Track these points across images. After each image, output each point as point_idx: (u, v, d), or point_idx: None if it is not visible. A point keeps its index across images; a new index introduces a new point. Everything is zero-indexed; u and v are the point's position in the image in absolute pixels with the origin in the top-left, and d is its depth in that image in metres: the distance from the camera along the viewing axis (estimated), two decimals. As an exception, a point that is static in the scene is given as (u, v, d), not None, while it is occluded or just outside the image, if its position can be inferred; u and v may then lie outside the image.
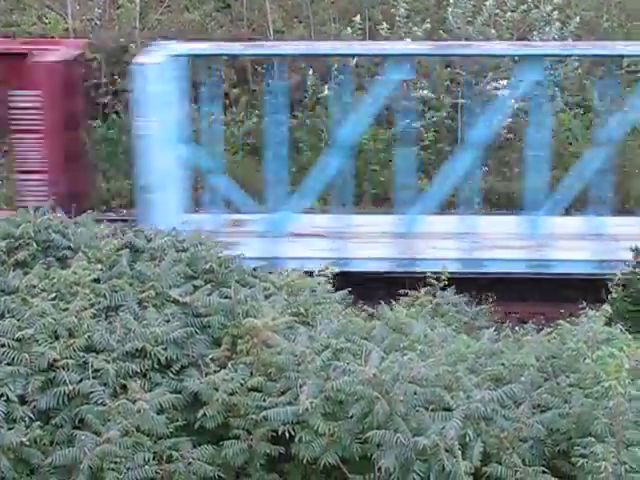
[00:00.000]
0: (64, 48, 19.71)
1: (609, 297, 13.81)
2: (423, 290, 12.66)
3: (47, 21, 23.92)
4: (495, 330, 10.62)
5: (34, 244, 10.03)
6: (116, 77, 24.11)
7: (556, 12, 23.98)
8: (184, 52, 18.66)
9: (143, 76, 17.79)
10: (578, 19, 24.08)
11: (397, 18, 24.16)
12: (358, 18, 24.18)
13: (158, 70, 17.84)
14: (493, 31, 23.94)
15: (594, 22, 25.66)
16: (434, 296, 12.52)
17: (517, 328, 11.30)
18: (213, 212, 19.29)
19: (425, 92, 23.25)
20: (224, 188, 19.58)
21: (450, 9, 24.06)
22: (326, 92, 23.07)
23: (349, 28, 24.19)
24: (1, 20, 24.99)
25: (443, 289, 12.85)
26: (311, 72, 23.82)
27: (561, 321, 9.99)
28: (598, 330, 9.20)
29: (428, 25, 24.17)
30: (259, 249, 17.31)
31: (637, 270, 13.88)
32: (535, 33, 23.78)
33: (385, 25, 23.99)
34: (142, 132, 17.90)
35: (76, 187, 19.00)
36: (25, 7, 24.62)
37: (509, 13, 24.03)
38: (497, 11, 24.28)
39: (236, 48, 20.00)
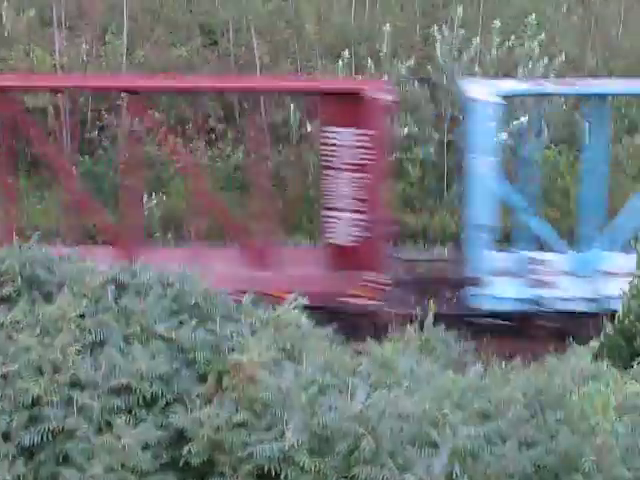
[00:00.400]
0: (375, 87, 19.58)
1: (602, 332, 13.85)
2: (411, 326, 12.68)
3: (34, 57, 23.95)
4: (482, 366, 10.61)
5: (19, 279, 9.99)
6: (103, 112, 24.20)
7: (540, 49, 24.18)
8: (515, 91, 18.75)
9: (483, 113, 17.81)
10: (563, 56, 24.28)
11: (381, 54, 24.32)
12: (347, 53, 24.33)
13: (495, 107, 17.83)
14: (477, 68, 24.12)
15: (579, 59, 25.87)
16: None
17: (504, 363, 11.30)
18: (515, 250, 19.27)
19: None
20: (533, 226, 19.56)
21: (437, 45, 24.22)
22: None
23: (340, 62, 24.34)
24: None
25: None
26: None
27: (548, 356, 9.99)
28: (585, 366, 9.20)
29: (412, 62, 24.37)
30: (577, 289, 17.36)
31: (630, 304, 13.89)
32: (520, 70, 23.94)
33: (370, 61, 24.15)
34: (476, 170, 17.94)
35: (385, 228, 19.08)
36: (12, 43, 24.63)
37: (494, 50, 24.21)
38: (482, 48, 24.47)
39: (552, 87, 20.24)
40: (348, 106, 18.03)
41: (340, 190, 18.41)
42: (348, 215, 18.48)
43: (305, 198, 23.08)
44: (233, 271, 18.44)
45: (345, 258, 18.38)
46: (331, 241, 18.74)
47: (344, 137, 18.09)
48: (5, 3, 24.70)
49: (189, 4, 27.66)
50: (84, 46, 24.87)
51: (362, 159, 18.17)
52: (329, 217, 18.74)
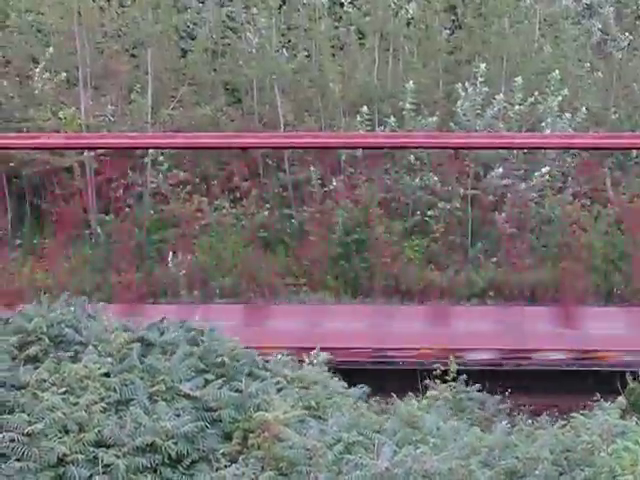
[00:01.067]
0: None
1: (626, 388, 13.74)
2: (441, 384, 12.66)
3: (62, 116, 24.17)
4: (508, 423, 10.54)
5: (46, 339, 10.02)
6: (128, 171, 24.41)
7: (563, 104, 24.26)
8: None
9: None
10: (585, 110, 24.34)
11: (404, 112, 24.43)
12: (365, 109, 24.44)
13: None
14: (502, 125, 24.20)
15: (602, 113, 25.90)
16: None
17: (530, 420, 11.23)
18: None
19: None
20: None
21: (460, 102, 24.32)
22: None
23: (358, 117, 24.47)
24: (16, 116, 25.29)
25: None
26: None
27: (574, 414, 9.92)
28: (613, 423, 9.12)
29: (436, 118, 24.47)
30: None
31: None
32: (543, 125, 24.00)
33: (393, 118, 24.26)
34: None
35: None
36: (40, 103, 24.90)
37: (517, 106, 24.28)
38: (505, 104, 24.56)
39: None
40: None
41: None
42: None
43: (330, 255, 23.08)
44: None
45: None
46: None
47: None
48: (40, 65, 25.00)
49: (213, 63, 27.88)
50: (110, 107, 25.10)
51: None
52: None
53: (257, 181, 24.78)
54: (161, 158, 24.38)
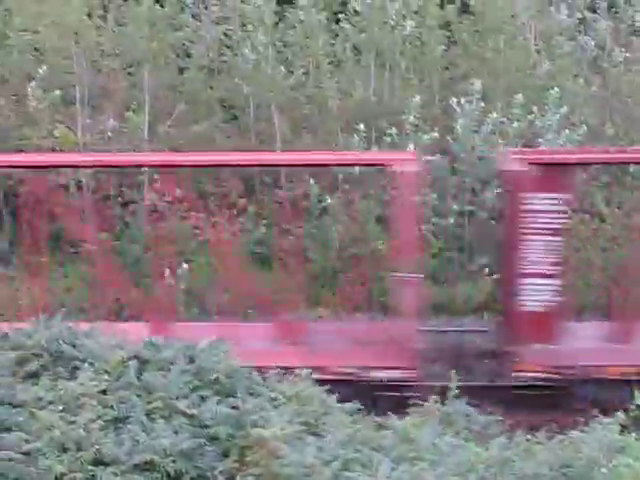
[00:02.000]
0: None
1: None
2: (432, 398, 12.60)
3: (57, 135, 24.22)
4: (506, 438, 10.52)
5: (46, 355, 10.02)
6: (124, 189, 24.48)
7: (561, 120, 24.31)
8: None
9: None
10: (585, 127, 24.39)
11: (407, 126, 24.47)
12: (362, 126, 24.47)
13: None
14: (500, 141, 24.24)
15: (599, 129, 25.95)
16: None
17: (528, 436, 11.19)
18: None
19: None
20: None
21: (460, 119, 24.36)
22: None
23: (355, 136, 24.48)
24: (12, 135, 25.33)
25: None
26: None
27: (573, 431, 9.91)
28: (613, 438, 9.11)
29: (436, 134, 24.53)
30: None
31: None
32: (542, 140, 24.04)
33: (394, 131, 24.28)
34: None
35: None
36: (36, 122, 24.95)
37: (515, 123, 24.35)
38: (504, 120, 24.62)
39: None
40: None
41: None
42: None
43: (328, 271, 23.11)
44: None
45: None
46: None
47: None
48: (33, 83, 25.04)
49: (210, 80, 27.95)
50: (108, 123, 25.14)
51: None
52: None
53: (254, 198, 24.83)
54: (157, 176, 24.40)
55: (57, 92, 25.08)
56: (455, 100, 24.74)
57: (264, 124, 26.67)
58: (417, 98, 24.57)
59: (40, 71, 25.11)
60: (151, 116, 25.81)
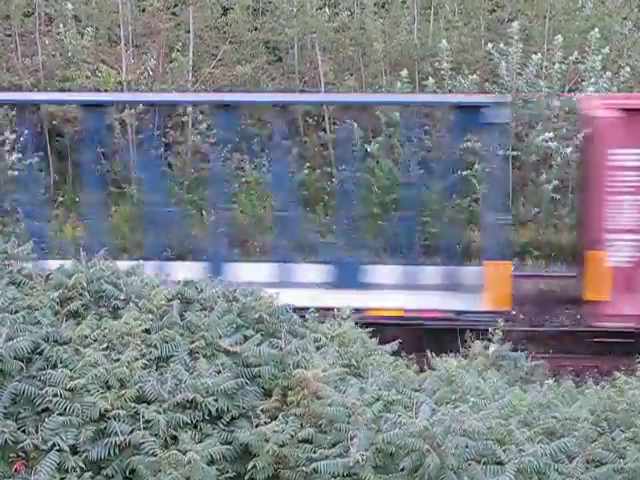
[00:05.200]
0: None
1: None
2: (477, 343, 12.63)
3: (100, 75, 24.21)
4: (548, 382, 10.53)
5: (87, 295, 10.08)
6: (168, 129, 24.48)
7: (604, 63, 23.94)
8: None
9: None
10: (628, 69, 24.01)
11: (442, 72, 24.23)
12: (405, 72, 24.23)
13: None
14: (542, 83, 23.93)
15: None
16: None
17: (571, 381, 11.18)
18: None
19: None
20: None
21: (503, 62, 24.06)
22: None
23: (398, 82, 24.27)
24: (57, 75, 25.37)
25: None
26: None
27: (617, 373, 9.87)
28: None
29: (476, 77, 24.23)
30: None
31: None
32: (585, 84, 23.73)
33: (431, 79, 24.06)
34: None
35: None
36: (80, 62, 24.96)
37: (557, 64, 24.01)
38: (546, 63, 24.29)
39: None
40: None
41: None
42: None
43: (370, 215, 23.03)
44: None
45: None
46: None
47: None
48: (79, 23, 25.11)
49: (254, 21, 27.83)
50: (151, 62, 25.06)
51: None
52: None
53: (297, 140, 24.74)
54: (201, 117, 24.36)
55: (90, 31, 25.07)
56: (501, 43, 24.43)
57: (308, 66, 26.54)
58: (444, 42, 24.26)
59: (88, 12, 25.09)
60: (195, 57, 25.75)
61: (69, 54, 25.08)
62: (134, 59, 25.36)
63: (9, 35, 26.67)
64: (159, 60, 25.47)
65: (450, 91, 23.77)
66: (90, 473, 7.83)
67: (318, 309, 11.23)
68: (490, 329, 13.44)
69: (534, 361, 13.29)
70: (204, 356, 9.13)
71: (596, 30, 24.05)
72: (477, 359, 11.88)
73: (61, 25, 25.37)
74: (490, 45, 24.61)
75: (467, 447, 7.77)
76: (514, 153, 23.62)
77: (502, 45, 24.11)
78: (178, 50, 25.33)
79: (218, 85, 25.20)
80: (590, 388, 10.23)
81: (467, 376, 9.68)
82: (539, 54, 24.00)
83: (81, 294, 10.03)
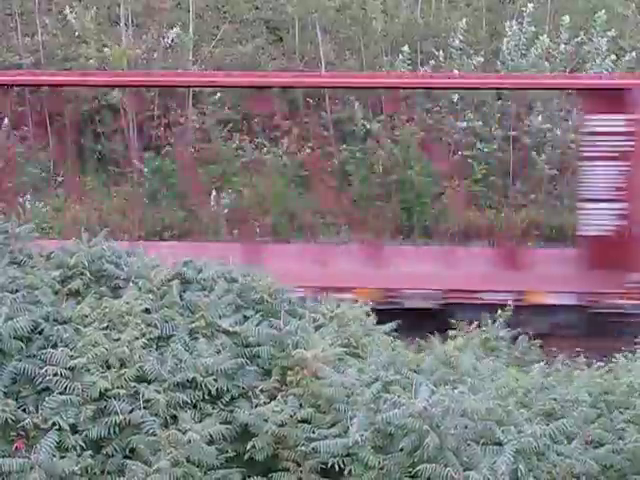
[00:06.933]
0: None
1: None
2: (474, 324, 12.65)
3: (110, 53, 24.11)
4: (546, 364, 10.54)
5: (87, 274, 10.08)
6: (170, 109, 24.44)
7: (609, 45, 23.89)
8: None
9: None
10: (634, 53, 23.98)
11: (451, 50, 24.18)
12: (406, 48, 24.17)
13: None
14: (547, 64, 23.88)
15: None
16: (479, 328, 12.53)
17: (568, 362, 11.21)
18: None
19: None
20: None
21: (505, 41, 24.01)
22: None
23: (400, 56, 24.22)
24: (59, 54, 25.33)
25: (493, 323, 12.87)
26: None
27: (617, 355, 9.89)
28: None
29: (481, 58, 24.19)
30: None
31: None
32: (589, 65, 23.68)
33: (441, 54, 24.00)
34: None
35: None
36: (84, 41, 24.90)
37: (562, 46, 23.96)
38: (550, 44, 24.23)
39: None
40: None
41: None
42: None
43: (371, 195, 23.02)
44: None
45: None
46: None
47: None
48: (70, 3, 25.00)
49: (255, 1, 27.76)
50: (152, 42, 25.01)
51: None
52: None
53: (298, 120, 24.70)
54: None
55: (94, 10, 25.01)
56: (505, 23, 24.37)
57: (309, 46, 26.47)
58: (463, 21, 24.21)
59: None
60: (195, 36, 25.69)
61: (75, 33, 25.00)
62: (134, 39, 25.30)
63: (9, 14, 26.60)
64: (159, 40, 25.40)
65: (458, 70, 23.68)
66: (90, 452, 7.86)
67: None
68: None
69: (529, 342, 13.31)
70: (204, 336, 9.15)
71: (602, 12, 24.00)
72: (473, 340, 11.90)
73: (67, 7, 25.27)
74: (497, 25, 24.54)
75: (466, 428, 7.79)
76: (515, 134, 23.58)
77: (513, 25, 23.98)
78: (178, 29, 25.24)
79: (218, 64, 25.15)
80: (586, 369, 10.25)
81: (465, 357, 9.71)
82: (546, 35, 23.95)
83: (82, 273, 10.04)
